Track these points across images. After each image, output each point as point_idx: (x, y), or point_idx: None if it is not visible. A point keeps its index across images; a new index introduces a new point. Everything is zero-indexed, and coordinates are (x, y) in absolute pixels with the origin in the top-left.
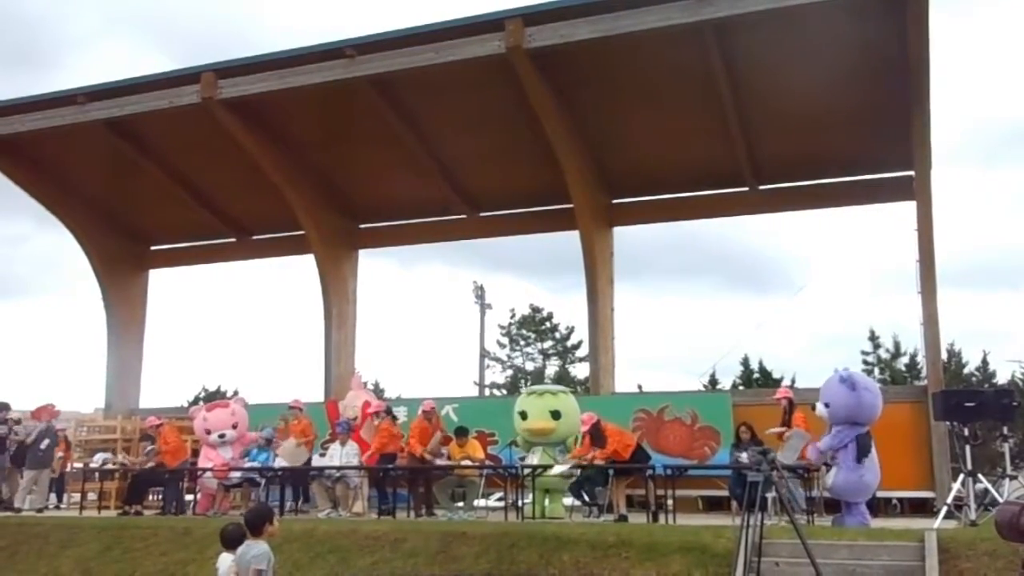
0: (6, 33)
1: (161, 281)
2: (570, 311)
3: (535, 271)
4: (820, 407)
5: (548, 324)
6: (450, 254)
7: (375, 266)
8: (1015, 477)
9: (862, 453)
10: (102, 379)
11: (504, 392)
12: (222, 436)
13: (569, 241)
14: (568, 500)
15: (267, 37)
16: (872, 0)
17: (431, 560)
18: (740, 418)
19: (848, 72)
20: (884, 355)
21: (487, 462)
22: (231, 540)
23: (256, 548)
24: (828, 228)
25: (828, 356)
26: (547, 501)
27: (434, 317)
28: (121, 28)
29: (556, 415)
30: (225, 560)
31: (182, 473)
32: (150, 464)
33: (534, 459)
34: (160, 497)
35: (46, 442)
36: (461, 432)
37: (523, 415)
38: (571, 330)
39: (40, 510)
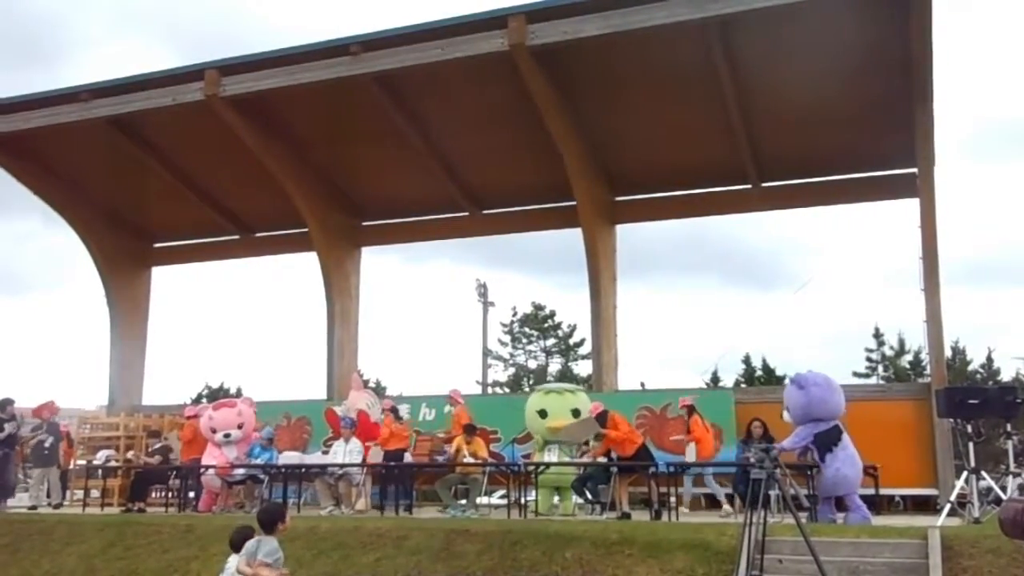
0: (16, 31)
1: (164, 278)
2: (573, 308)
3: (539, 268)
4: (785, 413)
5: (551, 322)
6: (454, 251)
7: (379, 263)
8: (1019, 474)
9: (824, 449)
10: (105, 376)
11: (507, 390)
12: (227, 436)
13: (573, 238)
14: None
15: (271, 34)
16: None
17: (434, 557)
18: (742, 415)
19: (851, 69)
20: (888, 352)
21: (490, 459)
22: (239, 544)
23: (267, 544)
24: (833, 225)
25: (832, 353)
26: (556, 499)
27: (437, 314)
28: (130, 25)
29: (576, 414)
30: (233, 563)
31: (189, 469)
32: (158, 458)
33: (552, 457)
34: (163, 494)
35: (50, 440)
36: (469, 429)
37: (542, 413)
38: (573, 327)
39: (57, 506)
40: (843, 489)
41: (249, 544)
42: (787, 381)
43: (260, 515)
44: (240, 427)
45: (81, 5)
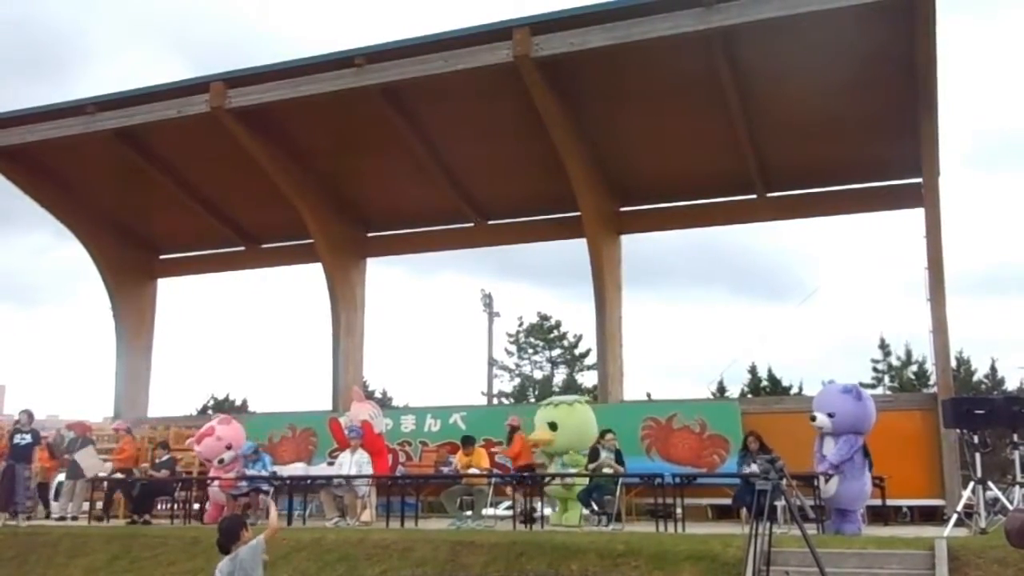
0: (29, 45)
1: (170, 290)
2: (578, 319)
3: (544, 279)
4: (823, 418)
5: (556, 332)
6: (461, 262)
7: (385, 274)
8: None
9: (869, 460)
10: (112, 388)
11: (512, 401)
12: (222, 461)
13: (578, 249)
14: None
15: (279, 46)
16: (879, 8)
17: (440, 569)
18: (749, 426)
19: (856, 79)
20: (894, 363)
21: (495, 471)
22: (234, 534)
23: (244, 551)
24: (840, 235)
25: (838, 364)
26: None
27: (442, 325)
28: (140, 38)
29: (552, 426)
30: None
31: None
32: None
33: (556, 468)
34: (168, 506)
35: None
36: (467, 441)
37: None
38: (579, 338)
39: (75, 518)
40: (862, 502)
41: (243, 552)
42: (833, 387)
43: (221, 531)
44: (229, 447)
45: (92, 20)
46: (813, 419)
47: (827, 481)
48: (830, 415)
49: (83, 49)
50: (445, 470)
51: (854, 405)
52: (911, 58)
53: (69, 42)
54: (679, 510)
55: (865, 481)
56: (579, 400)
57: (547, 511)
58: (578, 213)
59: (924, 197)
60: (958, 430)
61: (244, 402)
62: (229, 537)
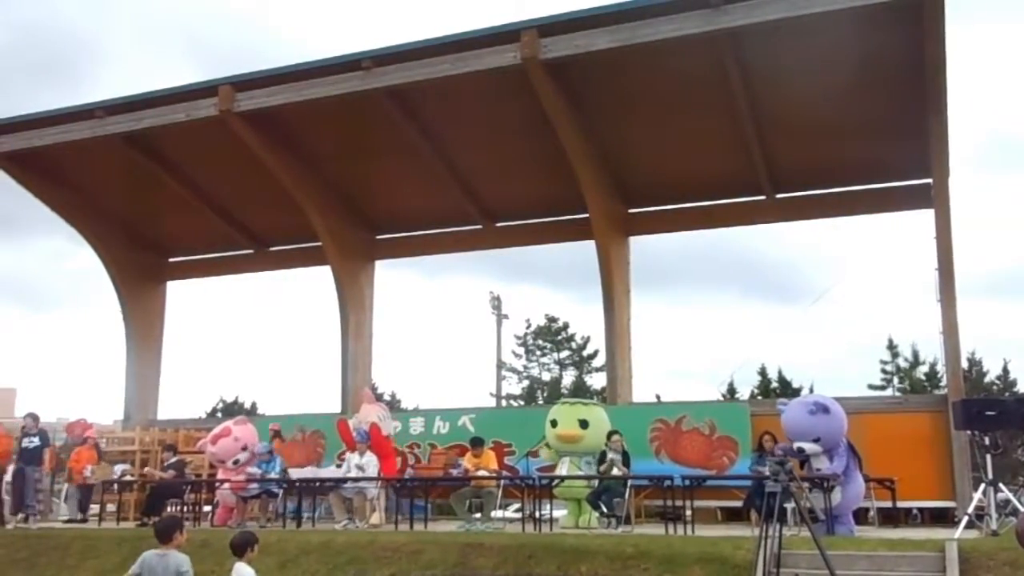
0: (42, 48)
1: (179, 293)
2: (587, 321)
3: (552, 281)
4: (811, 446)
5: (564, 334)
6: (467, 264)
7: (394, 277)
8: None
9: (860, 461)
10: (122, 391)
11: (520, 403)
12: (236, 462)
13: (586, 250)
14: None
15: (288, 49)
16: (888, 8)
17: (449, 571)
18: (758, 428)
19: (864, 80)
20: (903, 364)
21: (504, 473)
22: (240, 548)
23: (174, 557)
24: (851, 236)
25: (848, 365)
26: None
27: (452, 327)
28: (151, 42)
29: (584, 424)
30: (240, 571)
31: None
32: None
33: (563, 470)
34: (178, 508)
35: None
36: (476, 442)
37: (554, 423)
38: (587, 340)
39: (84, 520)
40: (859, 502)
41: (152, 559)
42: (798, 414)
43: (157, 528)
44: (244, 449)
45: (102, 25)
46: (801, 451)
47: (830, 492)
48: (817, 440)
49: (93, 54)
50: (454, 472)
51: (828, 421)
52: (920, 58)
53: (79, 47)
54: (688, 512)
55: (860, 481)
56: (593, 403)
57: (557, 513)
58: (586, 215)
59: (934, 198)
60: (969, 432)
61: (253, 405)
62: (165, 534)
